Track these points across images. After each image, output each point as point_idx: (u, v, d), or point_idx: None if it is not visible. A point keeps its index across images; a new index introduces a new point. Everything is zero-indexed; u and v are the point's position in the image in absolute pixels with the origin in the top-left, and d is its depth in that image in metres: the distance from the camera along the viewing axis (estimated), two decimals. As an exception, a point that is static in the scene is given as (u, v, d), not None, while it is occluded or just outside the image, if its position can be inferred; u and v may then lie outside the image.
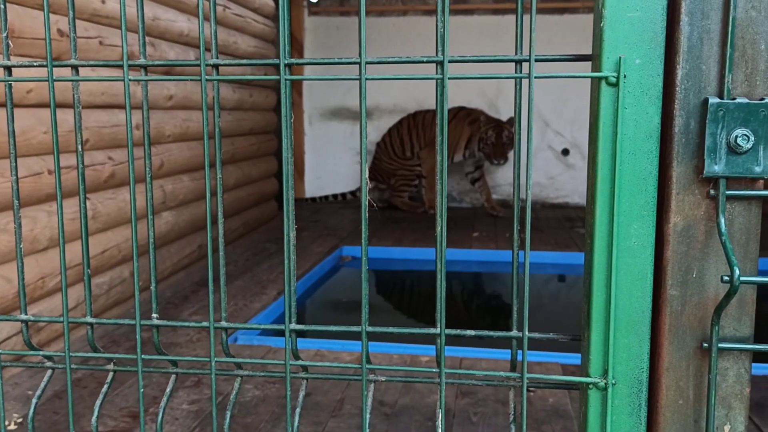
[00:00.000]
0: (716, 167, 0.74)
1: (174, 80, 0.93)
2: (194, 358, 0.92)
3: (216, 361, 0.89)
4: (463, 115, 6.05)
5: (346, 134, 6.77)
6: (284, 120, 0.86)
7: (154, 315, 0.94)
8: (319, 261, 4.35)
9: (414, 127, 6.25)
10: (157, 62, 0.88)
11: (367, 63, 0.81)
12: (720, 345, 0.76)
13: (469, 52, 6.49)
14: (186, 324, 0.94)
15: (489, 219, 5.98)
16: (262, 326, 0.96)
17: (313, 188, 6.82)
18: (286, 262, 0.86)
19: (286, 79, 0.83)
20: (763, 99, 0.74)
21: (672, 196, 0.76)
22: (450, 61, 0.79)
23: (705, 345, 0.76)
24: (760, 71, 0.74)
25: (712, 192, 0.75)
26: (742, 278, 0.70)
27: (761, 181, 0.76)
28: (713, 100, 0.74)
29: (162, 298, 3.45)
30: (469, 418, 2.22)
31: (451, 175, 6.50)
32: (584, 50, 0.84)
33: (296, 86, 6.30)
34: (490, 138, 5.84)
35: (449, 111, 6.09)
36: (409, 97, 6.59)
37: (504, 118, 6.18)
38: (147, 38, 3.38)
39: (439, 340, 0.81)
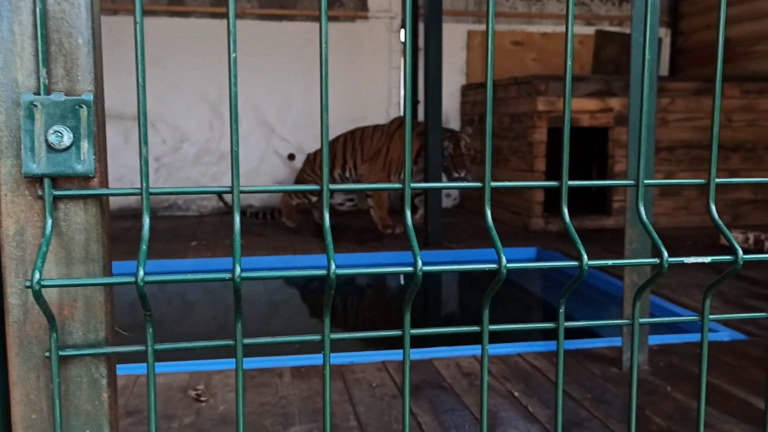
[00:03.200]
0: (34, 166, 0.70)
1: None
2: None
3: None
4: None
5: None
6: None
7: None
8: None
9: (350, 142, 5.58)
10: None
11: None
12: (62, 353, 0.72)
13: (188, 56, 6.33)
14: None
15: (210, 227, 5.83)
16: None
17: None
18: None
19: None
20: (82, 95, 0.71)
21: (2, 198, 0.71)
22: None
23: (47, 354, 0.73)
24: (81, 66, 0.72)
25: (40, 192, 0.71)
26: (43, 282, 0.66)
27: (97, 179, 0.73)
28: (26, 96, 0.70)
29: None
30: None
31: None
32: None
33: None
34: (447, 149, 5.25)
35: (393, 121, 5.62)
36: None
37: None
38: None
39: None
